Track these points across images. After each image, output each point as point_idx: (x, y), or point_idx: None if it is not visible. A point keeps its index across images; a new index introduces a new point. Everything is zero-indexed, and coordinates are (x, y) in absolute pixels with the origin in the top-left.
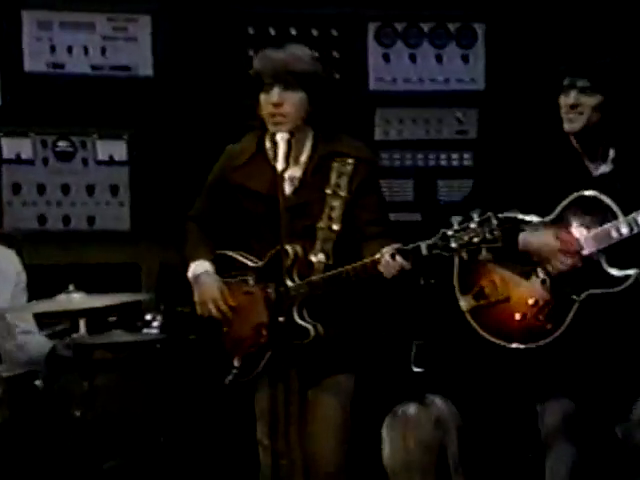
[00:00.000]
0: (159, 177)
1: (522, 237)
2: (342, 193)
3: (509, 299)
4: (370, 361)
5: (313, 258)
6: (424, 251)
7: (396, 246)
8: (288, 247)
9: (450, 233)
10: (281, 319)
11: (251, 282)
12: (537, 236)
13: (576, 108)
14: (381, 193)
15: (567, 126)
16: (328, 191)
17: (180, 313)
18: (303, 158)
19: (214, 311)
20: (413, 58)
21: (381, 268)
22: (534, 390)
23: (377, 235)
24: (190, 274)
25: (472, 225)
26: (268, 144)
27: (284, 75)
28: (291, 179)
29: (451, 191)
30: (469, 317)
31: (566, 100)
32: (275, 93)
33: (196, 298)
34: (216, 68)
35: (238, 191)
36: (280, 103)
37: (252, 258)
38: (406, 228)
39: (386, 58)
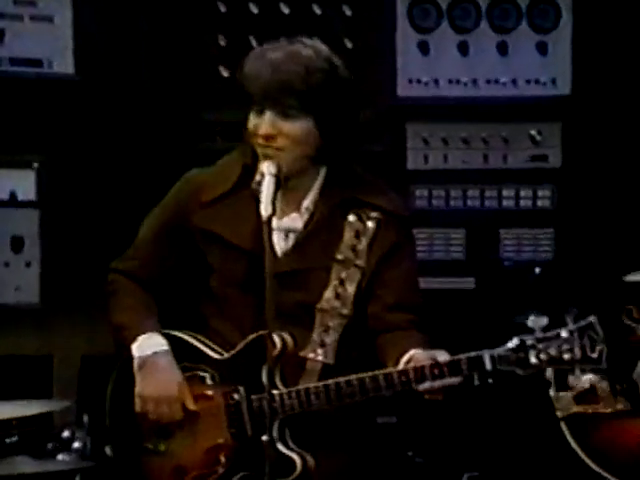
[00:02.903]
0: (83, 225)
1: None
2: (359, 262)
3: (637, 413)
4: None
5: (309, 354)
6: (488, 365)
7: (442, 356)
8: (274, 335)
9: (530, 342)
10: (264, 438)
11: (209, 382)
12: None
13: None
14: (415, 265)
15: None
16: (339, 256)
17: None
18: (307, 203)
19: (166, 415)
20: (464, 48)
21: (420, 388)
22: None
23: (404, 326)
24: (136, 352)
25: (564, 333)
26: (259, 176)
27: (280, 96)
28: (286, 232)
29: (521, 246)
30: (565, 429)
31: None
32: (266, 121)
33: (142, 390)
34: (168, 64)
35: (203, 240)
36: (272, 135)
37: (213, 346)
38: (453, 299)
39: (423, 49)
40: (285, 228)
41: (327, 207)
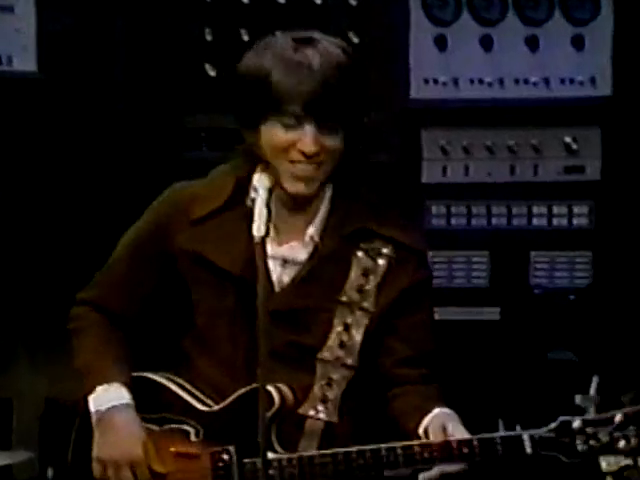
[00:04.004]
0: (46, 249)
1: None
2: (366, 305)
3: None
4: None
5: (309, 412)
6: (528, 448)
7: (458, 431)
8: (271, 388)
9: (577, 425)
10: None
11: (193, 438)
12: None
13: None
14: (431, 310)
15: None
16: (343, 298)
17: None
18: (312, 230)
19: None
20: (487, 43)
21: (425, 476)
22: None
23: (415, 380)
24: (93, 407)
25: (618, 417)
26: (254, 193)
27: (326, 108)
28: (283, 260)
29: (553, 271)
30: None
31: None
32: (310, 136)
33: (99, 452)
34: (147, 62)
35: (189, 265)
36: (316, 152)
37: (199, 395)
38: (476, 332)
39: (440, 44)
40: (283, 257)
41: (335, 239)
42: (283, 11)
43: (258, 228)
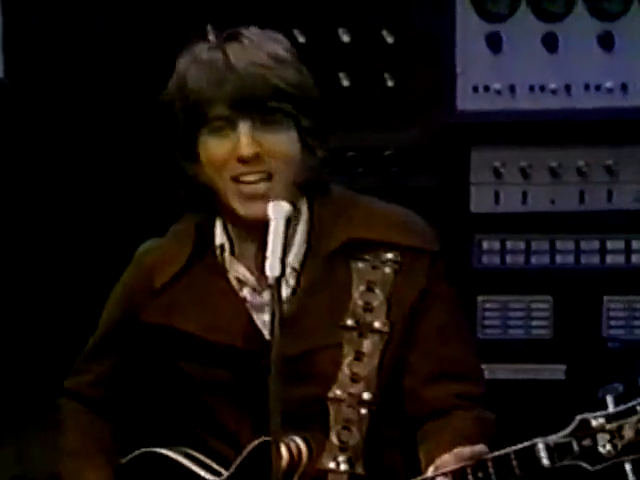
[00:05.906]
0: (14, 291)
1: None
2: (378, 324)
3: None
4: None
5: (329, 464)
6: (545, 461)
7: (468, 452)
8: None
9: (597, 422)
10: None
11: None
12: None
13: None
14: (457, 314)
15: None
16: (349, 322)
17: None
18: (290, 259)
19: None
20: (551, 42)
21: None
22: None
23: (450, 404)
24: None
25: None
26: (220, 238)
27: (258, 97)
28: (260, 305)
29: (632, 320)
30: None
31: None
32: (244, 134)
33: None
34: (137, 67)
35: (165, 341)
36: (256, 154)
37: (208, 462)
38: (537, 394)
39: (494, 44)
40: (264, 304)
41: (319, 260)
42: (300, 6)
43: (272, 267)
